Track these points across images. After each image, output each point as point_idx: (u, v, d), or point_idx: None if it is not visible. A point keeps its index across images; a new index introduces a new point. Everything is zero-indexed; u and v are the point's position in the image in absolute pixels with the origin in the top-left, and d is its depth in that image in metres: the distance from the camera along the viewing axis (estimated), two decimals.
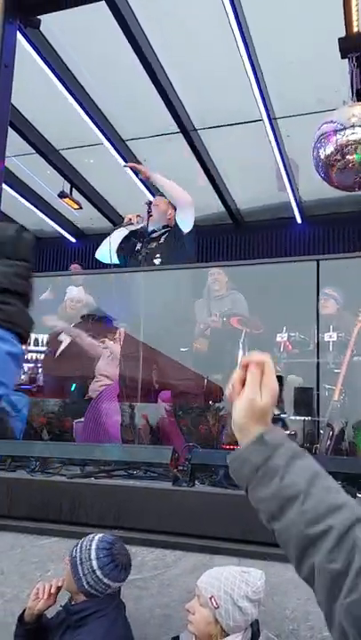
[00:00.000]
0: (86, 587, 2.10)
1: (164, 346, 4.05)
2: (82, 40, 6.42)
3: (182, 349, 4.21)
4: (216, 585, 1.95)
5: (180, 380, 4.12)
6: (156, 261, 4.08)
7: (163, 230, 4.23)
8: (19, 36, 6.14)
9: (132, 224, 4.17)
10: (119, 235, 4.29)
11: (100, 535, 2.21)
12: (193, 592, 2.12)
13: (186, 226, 4.12)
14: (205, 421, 3.98)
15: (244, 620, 1.94)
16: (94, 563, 2.10)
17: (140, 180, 8.48)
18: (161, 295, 4.06)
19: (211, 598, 1.93)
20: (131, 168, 4.82)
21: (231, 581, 1.96)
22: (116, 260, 4.28)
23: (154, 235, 4.20)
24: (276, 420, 3.63)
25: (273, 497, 0.90)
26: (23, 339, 1.01)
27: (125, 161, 8.17)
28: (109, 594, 2.12)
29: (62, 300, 4.96)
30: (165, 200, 4.41)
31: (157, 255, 4.09)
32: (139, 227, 4.18)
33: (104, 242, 4.35)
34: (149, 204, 4.20)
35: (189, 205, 4.14)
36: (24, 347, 1.04)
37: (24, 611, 2.25)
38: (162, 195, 4.49)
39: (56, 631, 2.19)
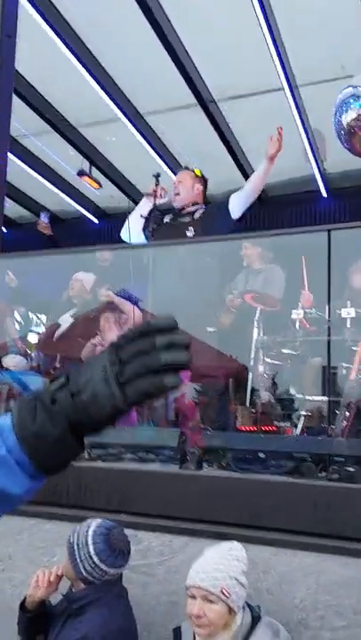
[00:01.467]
0: (84, 573, 2.06)
1: (185, 323, 3.94)
2: (97, 14, 6.26)
3: (209, 329, 4.11)
4: (220, 576, 1.91)
5: (199, 360, 4.03)
6: (188, 233, 3.96)
7: (195, 207, 4.09)
8: (32, 10, 6.05)
9: (157, 197, 4.02)
10: (144, 208, 4.14)
11: (98, 520, 2.16)
12: None
13: (238, 212, 4.04)
14: (222, 402, 3.89)
15: (245, 594, 1.95)
16: (91, 548, 2.05)
17: (160, 155, 8.33)
18: (185, 272, 3.95)
19: (222, 591, 1.89)
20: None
21: (227, 564, 1.94)
22: (141, 239, 4.15)
23: (185, 210, 4.07)
24: (291, 400, 3.53)
25: None
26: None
27: (143, 136, 8.02)
28: (108, 581, 2.07)
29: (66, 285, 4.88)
30: (190, 174, 4.26)
31: (190, 228, 3.98)
32: (164, 200, 4.05)
33: (131, 215, 4.20)
34: (157, 176, 4.05)
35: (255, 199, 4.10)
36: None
37: (25, 598, 2.21)
38: (186, 169, 4.36)
39: (58, 619, 2.16)
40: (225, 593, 1.87)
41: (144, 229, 4.01)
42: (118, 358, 0.74)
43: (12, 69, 4.14)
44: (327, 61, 6.57)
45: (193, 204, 4.12)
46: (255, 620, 1.92)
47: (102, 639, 1.92)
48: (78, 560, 2.08)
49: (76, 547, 2.09)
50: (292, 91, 7.11)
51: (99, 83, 7.11)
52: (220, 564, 1.93)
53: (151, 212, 4.09)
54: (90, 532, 2.10)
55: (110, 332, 4.20)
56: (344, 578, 2.19)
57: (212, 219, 4.03)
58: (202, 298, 4.15)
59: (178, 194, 4.08)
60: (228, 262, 4.58)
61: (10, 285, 5.07)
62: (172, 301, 3.89)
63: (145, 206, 4.14)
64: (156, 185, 3.98)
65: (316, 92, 7.06)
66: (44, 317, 5.43)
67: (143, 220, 4.00)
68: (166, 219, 4.15)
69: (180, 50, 6.57)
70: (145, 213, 4.02)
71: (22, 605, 2.22)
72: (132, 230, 4.09)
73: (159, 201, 4.10)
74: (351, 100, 5.05)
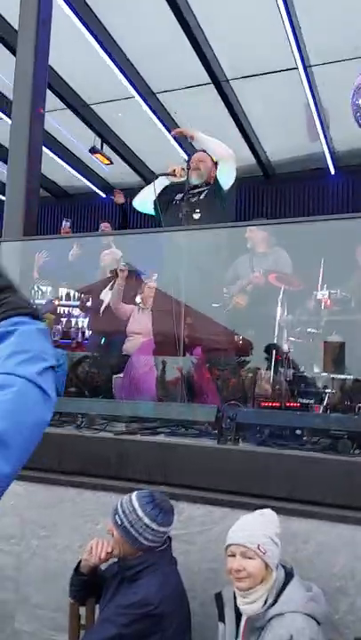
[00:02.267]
0: (146, 543, 2.15)
1: (200, 303, 4.03)
2: None
3: (214, 305, 4.19)
4: (256, 534, 2.08)
5: (216, 337, 4.12)
6: (196, 216, 4.02)
7: (205, 187, 4.16)
8: None
9: (175, 175, 4.09)
10: (160, 184, 4.21)
11: (135, 493, 2.25)
12: None
13: (226, 181, 4.03)
14: (240, 378, 3.99)
15: (279, 553, 2.09)
16: (146, 519, 2.15)
17: (173, 135, 8.30)
18: (196, 252, 4.01)
19: (258, 547, 2.05)
20: (178, 134, 4.64)
21: (261, 525, 2.12)
22: (151, 211, 4.22)
23: (195, 190, 4.13)
24: (316, 378, 3.62)
25: None
26: (36, 317, 1.06)
27: (156, 114, 8.00)
28: (161, 550, 2.18)
29: (98, 267, 4.98)
30: (209, 157, 4.32)
31: (197, 210, 4.03)
32: (182, 179, 4.10)
33: (144, 189, 4.27)
34: (188, 160, 4.12)
35: (231, 159, 4.06)
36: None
37: (80, 562, 2.32)
38: (204, 151, 4.41)
39: (111, 584, 2.26)
40: (261, 549, 2.04)
41: (158, 209, 4.10)
42: None
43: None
44: (341, 42, 6.56)
45: (207, 184, 4.17)
46: (288, 576, 2.07)
47: (160, 602, 2.02)
48: (137, 535, 2.15)
49: (128, 525, 2.16)
50: (305, 70, 7.10)
51: (113, 60, 7.09)
52: (255, 524, 2.10)
53: (166, 188, 4.18)
54: (136, 506, 2.18)
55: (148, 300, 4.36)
56: None
57: (213, 197, 4.07)
58: (217, 278, 4.23)
59: (198, 169, 4.13)
60: (239, 242, 4.64)
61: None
62: (189, 281, 3.95)
63: (160, 183, 4.21)
64: (188, 168, 4.03)
65: (329, 71, 7.06)
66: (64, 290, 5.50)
67: (152, 197, 4.10)
68: (178, 197, 4.20)
69: (196, 29, 6.55)
70: (155, 193, 4.11)
71: (77, 568, 2.33)
72: (142, 202, 4.22)
73: (176, 179, 4.16)
74: None
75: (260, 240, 4.56)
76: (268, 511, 2.17)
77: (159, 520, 2.16)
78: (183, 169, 4.12)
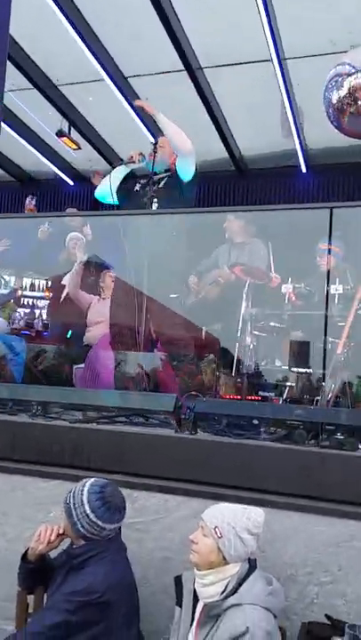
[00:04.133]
0: (82, 531, 2.14)
1: (161, 294, 4.00)
2: None
3: (172, 296, 4.14)
4: (220, 517, 2.07)
5: (179, 329, 4.09)
6: (154, 206, 3.96)
7: (164, 175, 4.09)
8: None
9: (133, 162, 4.03)
10: (120, 172, 4.14)
11: (92, 480, 2.23)
12: None
13: (185, 174, 3.96)
14: (201, 371, 3.98)
15: (245, 552, 2.06)
16: (87, 507, 2.13)
17: (142, 120, 8.22)
18: (156, 241, 3.95)
19: (215, 528, 2.05)
20: (139, 106, 4.50)
21: (234, 515, 2.08)
22: (115, 201, 4.15)
23: (155, 177, 4.06)
24: (275, 371, 3.64)
25: None
26: None
27: (127, 99, 7.88)
28: (108, 537, 2.15)
29: (62, 248, 4.87)
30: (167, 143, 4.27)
31: (155, 200, 3.97)
32: (140, 165, 4.03)
33: (104, 180, 4.20)
34: (155, 144, 4.05)
35: (189, 154, 3.95)
36: None
37: (27, 550, 2.28)
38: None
39: (58, 573, 2.23)
40: (217, 532, 2.03)
41: (124, 198, 4.04)
42: None
43: (7, 29, 3.98)
44: (317, 36, 6.55)
45: (166, 171, 4.10)
46: (251, 569, 2.06)
47: (106, 590, 2.00)
48: (76, 519, 2.14)
49: (72, 507, 2.15)
50: (280, 63, 7.07)
51: (84, 41, 6.92)
52: (229, 511, 2.08)
53: (125, 178, 4.12)
54: (85, 492, 2.16)
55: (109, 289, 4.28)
56: (331, 537, 2.34)
57: (174, 188, 4.01)
58: (176, 268, 4.19)
59: (155, 154, 4.05)
60: (203, 235, 4.60)
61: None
62: (149, 271, 3.90)
63: (120, 172, 4.14)
64: (154, 152, 3.96)
65: (303, 66, 7.05)
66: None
67: (114, 186, 4.03)
68: (137, 186, 4.14)
69: (171, 14, 6.44)
70: (118, 178, 4.05)
71: (24, 556, 2.29)
72: (104, 189, 4.11)
73: (134, 166, 4.10)
74: (342, 78, 5.08)
75: (238, 230, 4.50)
76: (255, 509, 2.13)
77: (99, 513, 2.13)
78: (141, 154, 4.05)
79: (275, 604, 2.00)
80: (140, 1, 6.20)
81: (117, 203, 4.15)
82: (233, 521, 2.04)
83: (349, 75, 4.93)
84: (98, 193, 4.23)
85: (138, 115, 8.11)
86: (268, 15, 6.23)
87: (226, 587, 2.01)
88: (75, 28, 6.71)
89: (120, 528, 2.26)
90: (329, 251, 2.95)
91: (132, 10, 6.44)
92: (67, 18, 6.57)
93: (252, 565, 2.08)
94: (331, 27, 6.28)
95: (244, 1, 6.08)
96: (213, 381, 3.89)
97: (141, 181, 4.12)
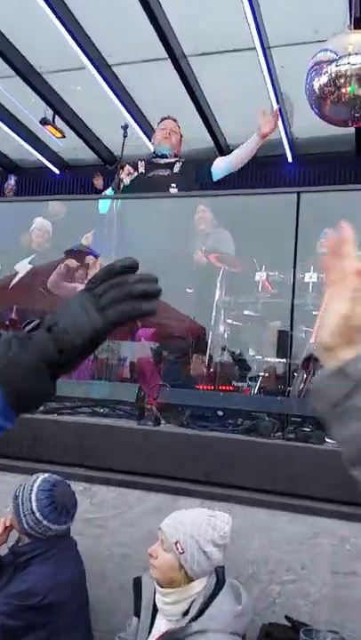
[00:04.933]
0: (26, 527, 2.04)
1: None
2: None
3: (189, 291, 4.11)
4: (181, 529, 1.88)
5: (161, 318, 4.00)
6: (172, 190, 3.92)
7: (174, 160, 4.07)
8: None
9: (122, 181, 3.97)
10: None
11: (45, 475, 2.13)
12: (153, 532, 2.06)
13: (218, 176, 4.03)
14: (183, 361, 3.89)
15: (209, 565, 1.89)
16: (34, 504, 2.03)
17: (126, 108, 8.10)
18: (156, 227, 3.90)
19: (176, 543, 1.86)
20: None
21: (198, 526, 1.89)
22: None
23: (162, 160, 4.02)
24: (250, 361, 3.54)
25: (353, 441, 0.78)
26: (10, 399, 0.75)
27: (110, 87, 7.75)
28: (54, 536, 2.05)
29: (26, 232, 4.72)
30: (178, 129, 4.26)
31: (173, 185, 3.93)
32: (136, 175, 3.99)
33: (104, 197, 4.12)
34: (125, 127, 3.96)
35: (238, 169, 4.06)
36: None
37: None
38: (174, 120, 4.28)
39: (5, 572, 2.13)
40: (178, 547, 1.85)
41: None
42: (93, 293, 0.76)
43: None
44: (301, 24, 6.45)
45: (175, 156, 4.09)
46: (219, 584, 1.89)
47: (48, 591, 1.90)
48: (22, 515, 2.05)
49: (20, 501, 2.07)
50: (264, 51, 6.96)
51: (67, 29, 6.78)
52: (191, 521, 1.90)
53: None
54: (34, 488, 2.07)
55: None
56: (294, 534, 2.24)
57: (190, 176, 3.98)
58: (164, 255, 4.10)
59: (169, 138, 4.03)
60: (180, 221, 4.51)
61: None
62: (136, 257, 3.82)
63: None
64: (124, 137, 3.88)
65: (287, 54, 6.95)
66: None
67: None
68: (141, 168, 4.05)
69: (154, 2, 6.32)
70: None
71: None
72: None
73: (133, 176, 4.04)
74: (324, 65, 4.98)
75: (207, 221, 4.46)
76: (220, 516, 1.95)
77: (45, 513, 2.03)
78: (130, 173, 4.00)
79: (242, 625, 1.85)
80: None
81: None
82: (196, 533, 1.85)
83: (331, 62, 4.86)
84: (101, 209, 4.14)
85: (122, 102, 8.00)
86: (251, 4, 6.13)
87: (190, 607, 1.83)
88: (57, 15, 6.57)
89: (69, 528, 2.16)
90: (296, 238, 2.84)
91: None
92: (48, 5, 6.43)
93: (220, 579, 1.90)
94: (314, 16, 6.17)
95: None
96: (189, 371, 3.80)
97: (142, 163, 4.04)
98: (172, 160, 4.06)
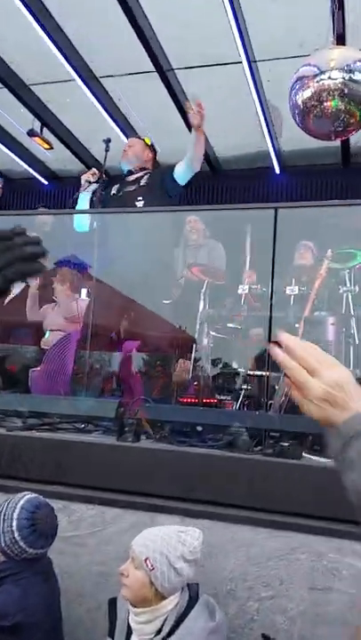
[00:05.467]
0: (3, 546, 2.02)
1: (136, 295, 3.92)
2: None
3: (166, 302, 4.10)
4: (151, 546, 1.88)
5: (147, 331, 4.01)
6: (139, 204, 3.90)
7: (142, 173, 4.04)
8: None
9: (89, 183, 3.96)
10: (83, 200, 4.07)
11: (31, 496, 2.10)
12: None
13: (182, 180, 4.00)
14: (167, 374, 3.89)
15: (180, 581, 1.89)
16: (14, 523, 2.01)
17: (114, 120, 8.13)
18: (138, 240, 3.89)
19: (146, 560, 1.86)
20: (192, 107, 4.21)
21: (167, 542, 1.89)
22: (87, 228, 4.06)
23: (131, 177, 4.01)
24: (233, 374, 3.54)
25: (352, 490, 0.86)
26: None
27: (98, 99, 7.78)
28: (29, 558, 2.02)
29: None
30: (141, 142, 4.21)
31: (139, 198, 3.92)
32: (96, 185, 3.97)
33: (76, 212, 4.12)
34: (108, 141, 3.97)
35: (196, 170, 4.03)
36: None
37: None
38: (137, 137, 4.30)
39: None
40: (148, 564, 1.85)
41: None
42: None
43: None
44: (286, 38, 6.51)
45: (141, 169, 4.08)
46: (192, 600, 1.89)
47: (17, 612, 1.88)
48: (1, 531, 2.03)
49: (2, 518, 2.04)
50: (250, 64, 7.02)
51: (54, 41, 6.82)
52: (160, 538, 1.90)
53: (95, 191, 4.04)
54: (18, 507, 2.05)
55: (64, 296, 4.15)
56: (273, 550, 2.24)
57: (157, 185, 3.98)
58: (148, 269, 4.10)
59: (125, 154, 4.03)
60: (175, 233, 4.53)
61: None
62: (119, 271, 3.84)
63: (84, 199, 4.06)
64: (106, 151, 3.89)
65: (273, 67, 7.01)
66: None
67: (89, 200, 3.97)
68: (113, 190, 4.06)
69: (140, 16, 6.36)
70: (86, 201, 3.99)
71: None
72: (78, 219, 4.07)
73: (92, 187, 4.03)
74: (307, 79, 5.03)
75: (199, 232, 4.47)
76: (191, 531, 1.95)
77: (24, 534, 2.00)
78: (94, 173, 4.02)
79: None
80: (111, 3, 6.12)
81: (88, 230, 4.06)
82: (166, 549, 1.86)
83: (314, 76, 4.90)
84: (76, 226, 4.12)
85: (110, 114, 8.03)
86: (236, 18, 6.19)
87: (163, 625, 1.83)
88: (44, 28, 6.60)
89: (46, 552, 2.13)
90: (274, 249, 2.85)
91: (103, 12, 6.35)
92: (35, 18, 6.46)
93: (192, 595, 1.90)
94: (299, 30, 6.23)
95: (213, 3, 6.02)
96: (173, 384, 3.80)
97: (116, 185, 4.06)
98: (140, 174, 4.06)
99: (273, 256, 2.80)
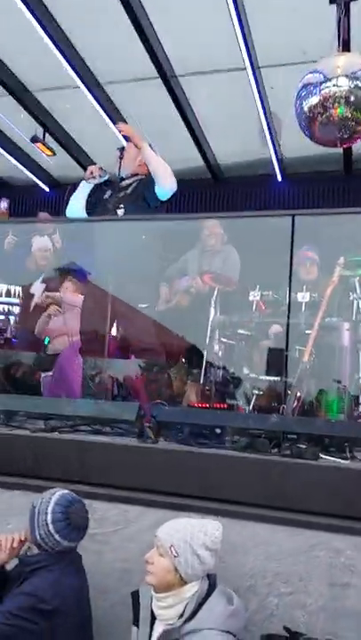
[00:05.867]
0: (38, 539, 2.12)
1: (132, 300, 3.97)
2: None
3: (142, 305, 4.10)
4: (175, 535, 2.01)
5: (148, 337, 4.05)
6: (119, 212, 3.90)
7: (132, 179, 4.03)
8: None
9: (93, 177, 3.98)
10: (82, 190, 4.09)
11: (64, 492, 2.20)
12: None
13: (162, 197, 3.90)
14: (171, 379, 3.95)
15: (202, 569, 2.01)
16: (49, 517, 2.11)
17: (117, 128, 8.20)
18: (126, 248, 3.90)
19: (170, 547, 1.99)
20: (122, 131, 4.28)
21: (190, 531, 2.02)
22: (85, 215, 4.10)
23: (123, 183, 4.04)
24: (244, 379, 3.62)
25: None
26: None
27: (101, 106, 7.87)
28: (62, 551, 2.11)
29: (29, 254, 4.79)
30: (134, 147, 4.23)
31: (121, 206, 3.90)
32: (103, 179, 4.00)
33: (72, 199, 4.13)
34: (121, 149, 4.01)
35: (170, 189, 3.87)
36: None
37: None
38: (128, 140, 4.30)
39: (13, 583, 2.19)
40: (172, 551, 1.97)
41: (88, 211, 3.99)
42: None
43: None
44: (289, 45, 6.61)
45: (133, 175, 4.02)
46: (211, 587, 2.00)
47: (52, 596, 1.97)
48: (36, 525, 2.12)
49: (36, 512, 2.13)
50: (253, 71, 7.12)
51: (58, 48, 6.90)
52: (184, 527, 2.02)
53: (93, 192, 4.04)
54: (52, 501, 2.14)
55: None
56: (291, 547, 2.32)
57: (141, 195, 3.95)
58: (147, 275, 4.14)
59: (121, 159, 4.01)
60: (171, 241, 4.55)
61: None
62: (119, 278, 3.87)
63: (84, 189, 4.08)
64: (120, 158, 3.94)
65: (277, 74, 7.11)
66: None
67: (84, 202, 3.99)
68: (106, 195, 4.09)
69: (145, 22, 6.46)
70: (84, 194, 3.99)
71: None
72: (74, 211, 4.07)
73: (95, 181, 4.05)
74: (313, 87, 5.11)
75: (218, 237, 4.46)
76: (212, 523, 2.08)
77: (58, 527, 2.11)
78: (101, 168, 4.03)
79: (235, 624, 1.95)
80: (115, 8, 6.21)
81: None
82: (189, 538, 1.98)
83: (320, 83, 4.99)
84: (68, 213, 4.15)
85: (113, 121, 8.10)
86: (240, 24, 6.28)
87: (185, 609, 1.95)
88: (48, 34, 6.68)
89: (77, 545, 2.22)
90: (291, 258, 2.95)
91: (106, 17, 6.44)
92: (40, 24, 6.54)
93: (211, 583, 2.02)
94: (303, 37, 6.33)
95: (217, 9, 6.12)
96: (182, 389, 3.87)
97: (109, 190, 4.08)
98: (130, 181, 4.02)
99: (290, 263, 2.89)
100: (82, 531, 2.17)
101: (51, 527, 2.09)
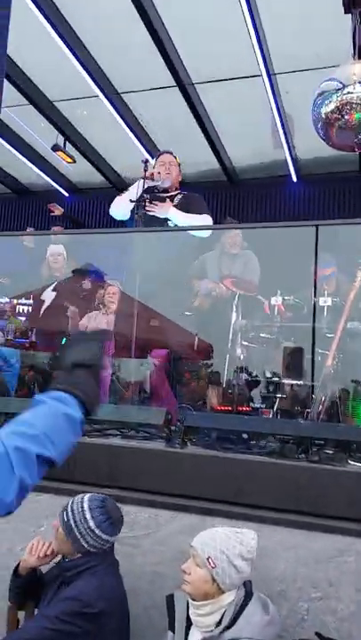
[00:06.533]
0: (86, 546, 2.14)
1: (160, 305, 4.05)
2: None
3: (187, 313, 4.23)
4: (212, 545, 2.03)
5: (174, 340, 4.12)
6: (171, 223, 4.09)
7: (175, 192, 4.23)
8: None
9: (152, 179, 4.09)
10: (139, 187, 4.15)
11: (89, 495, 2.24)
12: (184, 551, 2.18)
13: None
14: (197, 382, 4.01)
15: (240, 578, 2.03)
16: (91, 523, 2.14)
17: (135, 134, 8.31)
18: (161, 254, 4.01)
19: (208, 559, 2.00)
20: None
21: (226, 541, 2.04)
22: (127, 216, 4.19)
23: (167, 193, 4.17)
24: (268, 383, 3.64)
25: None
26: (87, 407, 1.15)
27: (120, 114, 7.95)
28: (104, 551, 2.16)
29: (43, 259, 4.90)
30: (176, 164, 4.37)
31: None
32: (156, 184, 4.11)
33: (123, 197, 4.17)
34: (146, 162, 4.10)
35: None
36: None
37: (19, 564, 2.29)
38: (169, 153, 4.42)
39: (50, 587, 2.23)
40: (210, 562, 1.99)
41: (132, 213, 4.07)
42: None
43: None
44: (305, 51, 6.64)
45: (175, 189, 4.24)
46: (248, 595, 2.03)
47: (96, 601, 2.00)
48: (79, 536, 2.14)
49: (73, 524, 2.15)
50: (270, 77, 7.17)
51: (78, 59, 7.01)
52: (220, 537, 2.04)
53: (140, 197, 4.10)
54: (86, 508, 2.17)
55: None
56: (321, 552, 2.34)
57: (183, 208, 4.13)
58: (177, 282, 4.26)
59: (169, 173, 4.18)
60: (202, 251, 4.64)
61: None
62: (150, 284, 3.96)
63: (134, 190, 4.15)
64: (145, 170, 4.03)
65: (292, 80, 7.15)
66: None
67: (132, 205, 4.06)
68: (146, 196, 4.17)
69: (162, 31, 6.54)
70: (134, 198, 4.05)
71: (16, 570, 2.29)
72: (120, 211, 4.16)
73: (151, 183, 4.14)
74: (330, 93, 5.15)
75: (237, 241, 4.56)
76: (247, 532, 2.10)
77: (104, 527, 2.15)
78: (160, 173, 4.14)
79: (272, 633, 1.98)
80: (132, 19, 6.29)
81: (126, 219, 4.18)
82: (226, 548, 2.00)
83: (337, 90, 5.03)
84: (116, 210, 4.21)
85: (131, 129, 8.21)
86: (256, 31, 6.33)
87: (222, 616, 1.98)
88: (68, 45, 6.79)
89: (113, 543, 2.27)
90: (316, 264, 2.98)
91: (123, 28, 6.53)
92: (60, 36, 6.65)
93: (248, 591, 2.05)
94: (318, 42, 6.36)
95: (233, 17, 6.17)
96: (207, 392, 3.91)
97: (146, 195, 4.15)
98: (173, 193, 4.20)
99: (315, 270, 2.92)
100: (120, 524, 2.23)
101: (97, 531, 2.14)
